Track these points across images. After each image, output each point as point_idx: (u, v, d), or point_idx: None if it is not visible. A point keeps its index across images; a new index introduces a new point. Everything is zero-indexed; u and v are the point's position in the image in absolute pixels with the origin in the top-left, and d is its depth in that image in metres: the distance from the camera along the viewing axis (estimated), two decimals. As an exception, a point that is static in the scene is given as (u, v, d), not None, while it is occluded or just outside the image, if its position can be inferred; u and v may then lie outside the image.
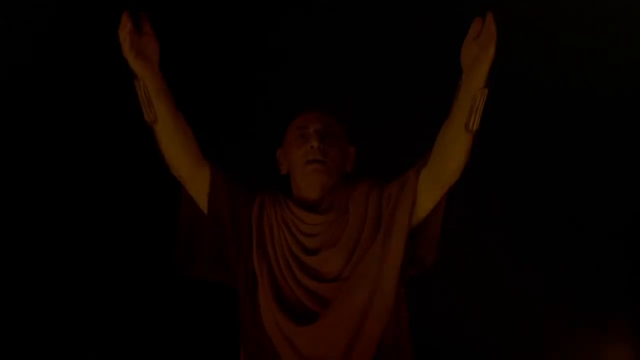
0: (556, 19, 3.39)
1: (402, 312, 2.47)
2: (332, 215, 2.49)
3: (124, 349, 3.45)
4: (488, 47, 2.12)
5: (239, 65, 3.53)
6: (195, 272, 2.55)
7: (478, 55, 2.15)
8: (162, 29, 2.31)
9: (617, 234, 3.55)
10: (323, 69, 3.47)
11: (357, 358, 2.36)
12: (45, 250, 3.48)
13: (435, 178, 2.38)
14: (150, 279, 3.44)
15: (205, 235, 2.52)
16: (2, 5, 3.35)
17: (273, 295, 2.41)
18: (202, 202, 2.51)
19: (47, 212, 3.49)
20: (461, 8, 2.27)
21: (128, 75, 2.31)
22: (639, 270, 3.52)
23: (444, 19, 2.52)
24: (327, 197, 2.53)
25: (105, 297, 3.48)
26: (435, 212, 2.43)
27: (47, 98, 3.49)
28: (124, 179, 3.49)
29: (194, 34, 3.41)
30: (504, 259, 3.47)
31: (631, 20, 3.44)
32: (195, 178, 2.49)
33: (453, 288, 3.40)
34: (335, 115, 2.62)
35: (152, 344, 3.47)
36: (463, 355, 3.45)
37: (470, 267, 3.44)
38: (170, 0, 3.26)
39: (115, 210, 3.52)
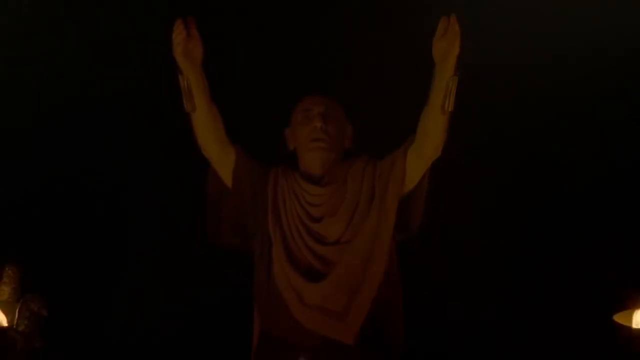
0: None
1: (394, 270, 2.75)
2: (333, 187, 2.78)
3: (149, 304, 3.71)
4: (454, 43, 2.45)
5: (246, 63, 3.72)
6: (224, 239, 2.84)
7: (446, 50, 2.47)
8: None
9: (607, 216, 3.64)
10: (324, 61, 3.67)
11: (356, 308, 2.63)
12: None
13: (420, 154, 2.70)
14: (176, 247, 3.70)
15: (229, 206, 2.82)
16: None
17: (285, 256, 2.69)
18: (227, 178, 2.80)
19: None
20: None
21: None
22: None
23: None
24: (328, 172, 2.81)
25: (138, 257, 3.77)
26: (421, 184, 2.74)
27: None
28: (160, 159, 3.75)
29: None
30: (490, 226, 3.64)
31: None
32: (222, 158, 2.79)
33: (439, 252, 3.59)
34: (336, 98, 2.90)
35: (178, 300, 3.74)
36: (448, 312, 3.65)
37: (456, 233, 3.62)
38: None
39: (152, 186, 3.79)
